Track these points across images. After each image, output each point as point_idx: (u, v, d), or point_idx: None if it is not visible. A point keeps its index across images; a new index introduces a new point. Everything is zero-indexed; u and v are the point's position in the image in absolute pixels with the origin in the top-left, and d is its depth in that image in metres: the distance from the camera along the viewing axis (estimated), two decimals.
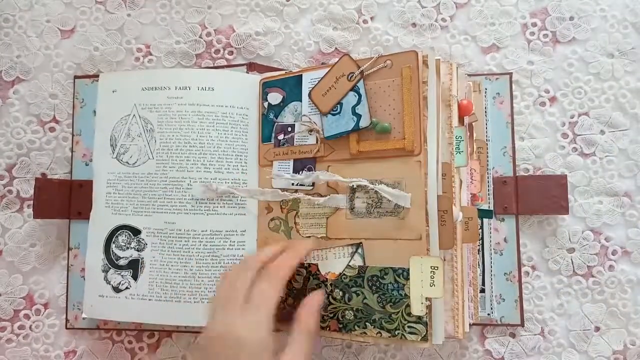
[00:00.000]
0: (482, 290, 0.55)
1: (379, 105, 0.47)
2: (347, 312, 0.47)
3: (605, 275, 0.57)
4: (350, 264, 0.47)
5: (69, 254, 0.58)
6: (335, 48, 0.61)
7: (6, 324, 0.59)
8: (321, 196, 0.49)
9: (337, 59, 0.49)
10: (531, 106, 0.59)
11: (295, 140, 0.51)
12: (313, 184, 0.50)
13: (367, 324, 0.46)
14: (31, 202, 0.59)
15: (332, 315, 0.48)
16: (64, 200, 0.58)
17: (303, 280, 0.49)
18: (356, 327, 0.47)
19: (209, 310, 0.45)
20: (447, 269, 0.46)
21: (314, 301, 0.46)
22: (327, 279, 0.48)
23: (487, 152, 0.56)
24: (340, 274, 0.48)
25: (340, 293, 0.48)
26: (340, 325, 0.47)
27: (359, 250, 0.47)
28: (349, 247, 0.48)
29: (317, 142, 0.50)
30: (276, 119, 0.53)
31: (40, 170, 0.60)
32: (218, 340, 0.41)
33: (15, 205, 0.60)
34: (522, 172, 0.58)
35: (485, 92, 0.57)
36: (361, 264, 0.47)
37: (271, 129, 0.53)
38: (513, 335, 0.56)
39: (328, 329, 0.48)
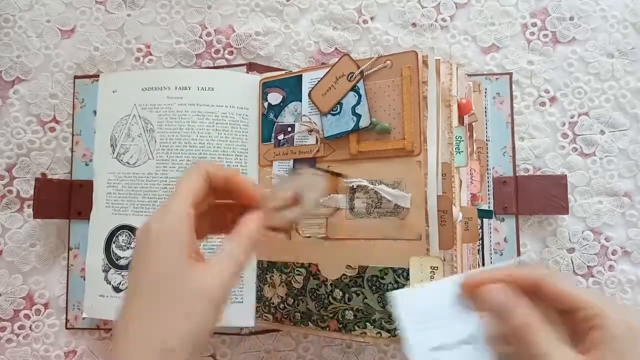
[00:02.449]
0: None
1: (379, 106, 0.47)
2: (347, 312, 0.47)
3: (605, 275, 0.57)
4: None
5: (68, 254, 0.58)
6: (335, 48, 0.61)
7: (6, 324, 0.59)
8: None
9: (337, 59, 0.49)
10: (531, 106, 0.59)
11: (295, 140, 0.51)
12: None
13: (367, 324, 0.46)
14: (31, 202, 0.59)
15: (332, 315, 0.48)
16: (63, 200, 0.58)
17: (303, 280, 0.49)
18: (356, 327, 0.47)
19: None
20: (446, 269, 0.46)
21: (258, 216, 0.36)
22: (327, 279, 0.48)
23: (487, 152, 0.56)
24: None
25: (340, 293, 0.48)
26: (340, 325, 0.47)
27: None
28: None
29: (317, 142, 0.50)
30: (276, 119, 0.53)
31: (40, 170, 0.60)
32: (136, 241, 0.34)
33: (15, 205, 0.60)
34: (522, 172, 0.58)
35: (485, 92, 0.57)
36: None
37: (271, 129, 0.53)
38: None
39: (328, 328, 0.48)
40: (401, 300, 0.36)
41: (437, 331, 0.35)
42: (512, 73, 0.58)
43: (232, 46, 0.62)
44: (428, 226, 0.44)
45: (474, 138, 0.54)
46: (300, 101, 0.51)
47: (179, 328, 0.31)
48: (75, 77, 0.60)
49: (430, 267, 0.44)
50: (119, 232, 0.54)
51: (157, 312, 0.31)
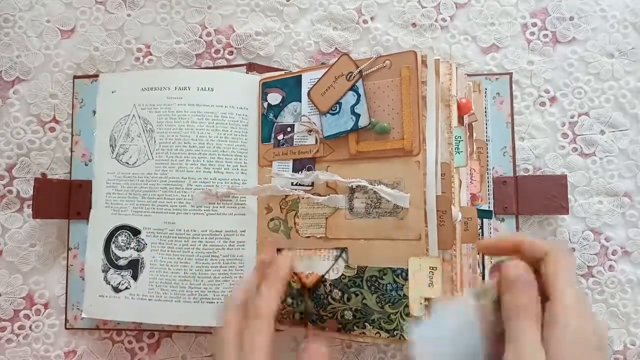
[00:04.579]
0: None
1: (378, 105, 0.47)
2: (346, 312, 0.47)
3: (605, 275, 0.57)
4: (333, 268, 0.48)
5: (68, 254, 0.58)
6: (335, 48, 0.61)
7: (6, 324, 0.59)
8: (320, 196, 0.49)
9: (336, 59, 0.49)
10: (531, 106, 0.59)
11: (294, 140, 0.51)
12: (312, 184, 0.50)
13: (366, 324, 0.46)
14: (31, 202, 0.59)
15: (331, 315, 0.48)
16: (63, 200, 0.58)
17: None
18: (355, 327, 0.47)
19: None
20: (446, 269, 0.46)
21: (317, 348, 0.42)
22: (326, 279, 0.48)
23: (487, 152, 0.56)
24: (321, 276, 0.48)
25: (339, 293, 0.47)
26: (340, 326, 0.47)
27: (343, 255, 0.47)
28: (334, 251, 0.48)
29: (316, 142, 0.50)
30: (276, 119, 0.53)
31: (40, 170, 0.60)
32: None
33: (15, 205, 0.60)
34: (522, 172, 0.58)
35: (485, 92, 0.57)
36: (344, 269, 0.47)
37: (271, 129, 0.53)
38: None
39: (327, 328, 0.48)
40: (417, 338, 0.37)
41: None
42: (512, 73, 0.58)
43: (232, 46, 0.62)
44: (427, 226, 0.44)
45: (474, 138, 0.54)
46: (300, 101, 0.51)
47: None
48: (75, 77, 0.60)
49: (429, 268, 0.44)
50: (118, 232, 0.54)
51: None
